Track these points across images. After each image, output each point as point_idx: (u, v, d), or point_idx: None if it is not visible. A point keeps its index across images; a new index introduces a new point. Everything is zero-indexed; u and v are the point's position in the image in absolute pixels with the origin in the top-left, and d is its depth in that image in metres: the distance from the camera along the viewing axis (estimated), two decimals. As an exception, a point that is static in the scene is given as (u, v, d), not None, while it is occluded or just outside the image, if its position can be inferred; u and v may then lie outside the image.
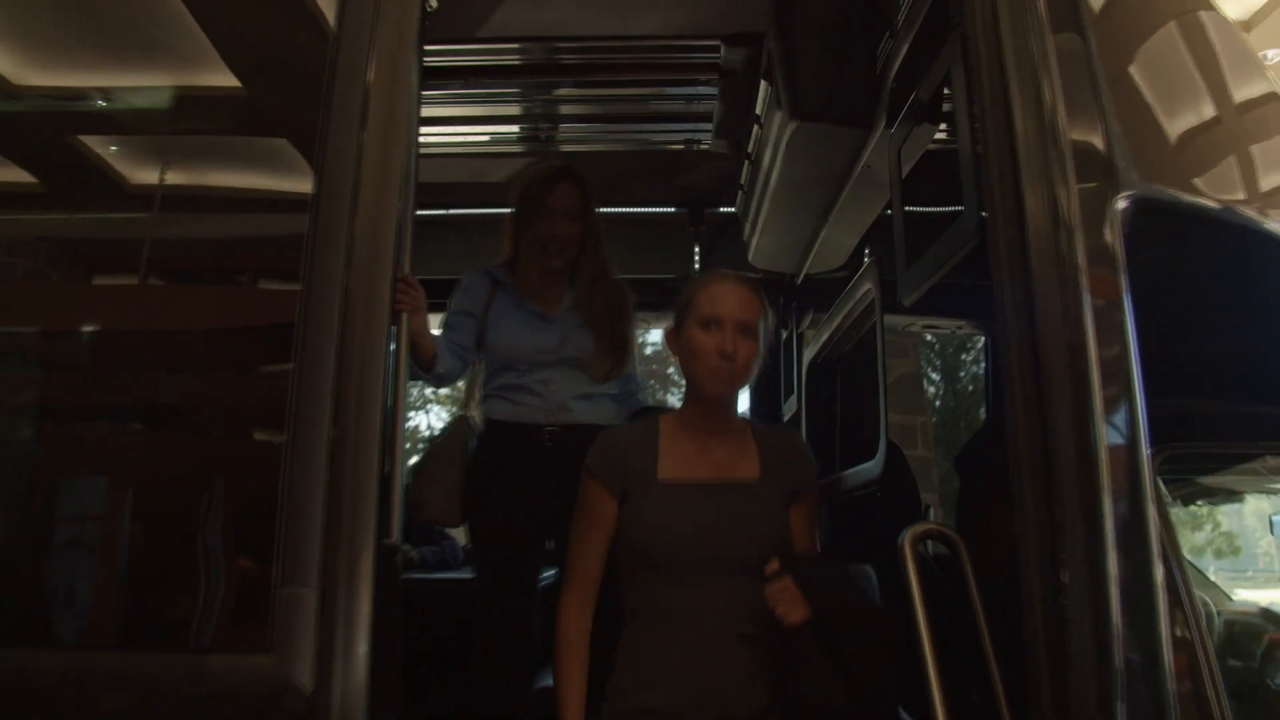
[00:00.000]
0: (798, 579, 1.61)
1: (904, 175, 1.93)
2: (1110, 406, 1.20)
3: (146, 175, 1.53)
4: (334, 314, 1.24)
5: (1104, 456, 1.17)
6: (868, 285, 2.16)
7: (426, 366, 2.27)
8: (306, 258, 1.27)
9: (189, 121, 1.54)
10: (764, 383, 3.51)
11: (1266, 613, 2.92)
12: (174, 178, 1.52)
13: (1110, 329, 1.21)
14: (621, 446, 1.79)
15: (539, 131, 2.94)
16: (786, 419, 3.39)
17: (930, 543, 2.05)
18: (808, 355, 3.03)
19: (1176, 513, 2.30)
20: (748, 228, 3.01)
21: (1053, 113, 1.28)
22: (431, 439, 2.54)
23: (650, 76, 2.62)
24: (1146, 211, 1.31)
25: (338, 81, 1.36)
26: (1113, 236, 1.24)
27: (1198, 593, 2.89)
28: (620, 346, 2.52)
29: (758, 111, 2.49)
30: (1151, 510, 1.22)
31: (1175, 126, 1.42)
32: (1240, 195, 1.47)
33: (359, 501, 1.04)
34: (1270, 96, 1.55)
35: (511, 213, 2.51)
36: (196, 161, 1.53)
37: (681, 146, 3.03)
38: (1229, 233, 1.46)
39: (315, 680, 0.97)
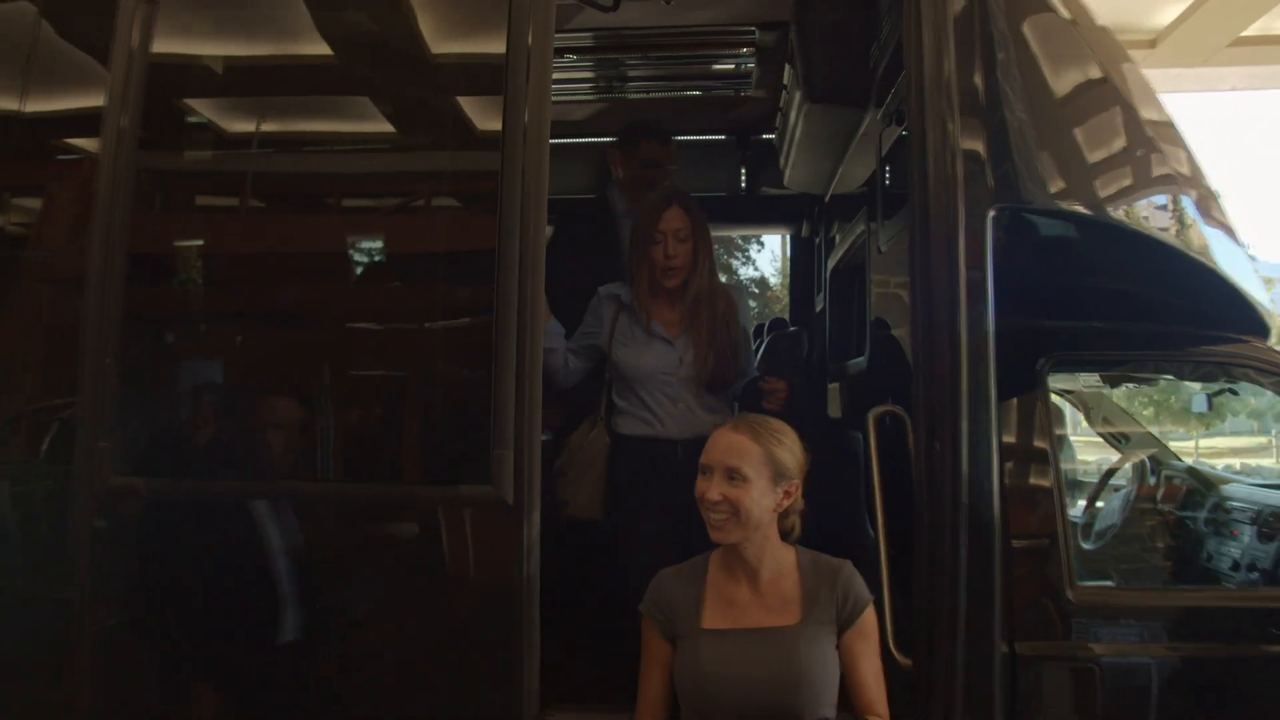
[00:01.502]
0: None
1: (886, 151, 2.61)
2: (972, 337, 1.93)
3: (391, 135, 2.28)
4: (516, 233, 1.91)
5: (964, 371, 1.92)
6: (862, 227, 2.87)
7: None
8: (500, 195, 1.94)
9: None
10: (799, 284, 4.25)
11: (1192, 470, 3.63)
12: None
13: (976, 290, 1.94)
14: (668, 592, 1.85)
15: (611, 87, 3.62)
16: (817, 310, 4.13)
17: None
18: (830, 263, 3.75)
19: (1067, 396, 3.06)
20: (782, 159, 3.69)
21: (953, 146, 1.97)
22: (568, 443, 2.73)
23: (700, 51, 3.28)
24: (1014, 215, 2.01)
25: (510, 70, 1.99)
26: (985, 232, 1.95)
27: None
28: (731, 355, 2.64)
29: (785, 82, 3.15)
30: (994, 401, 1.95)
31: (1045, 155, 2.08)
32: (1092, 200, 2.13)
33: (532, 396, 1.86)
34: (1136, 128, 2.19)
35: (632, 234, 2.69)
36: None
37: (730, 93, 3.69)
38: (1089, 224, 2.15)
39: (514, 498, 1.83)
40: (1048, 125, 2.11)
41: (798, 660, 1.74)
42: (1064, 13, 2.21)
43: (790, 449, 1.83)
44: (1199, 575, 2.99)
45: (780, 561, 1.84)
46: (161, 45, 2.10)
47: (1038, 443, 2.20)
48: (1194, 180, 2.30)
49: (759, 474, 1.77)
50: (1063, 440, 2.80)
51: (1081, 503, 3.73)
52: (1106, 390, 3.78)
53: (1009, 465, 2.08)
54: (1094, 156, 2.14)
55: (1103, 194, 2.15)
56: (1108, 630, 2.16)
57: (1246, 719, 2.10)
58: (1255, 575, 2.70)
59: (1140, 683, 2.11)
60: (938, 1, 2.02)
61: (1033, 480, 2.15)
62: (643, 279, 2.63)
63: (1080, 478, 4.03)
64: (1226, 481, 3.40)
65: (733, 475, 1.77)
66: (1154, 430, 4.01)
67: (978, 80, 2.03)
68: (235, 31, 2.23)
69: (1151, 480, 3.52)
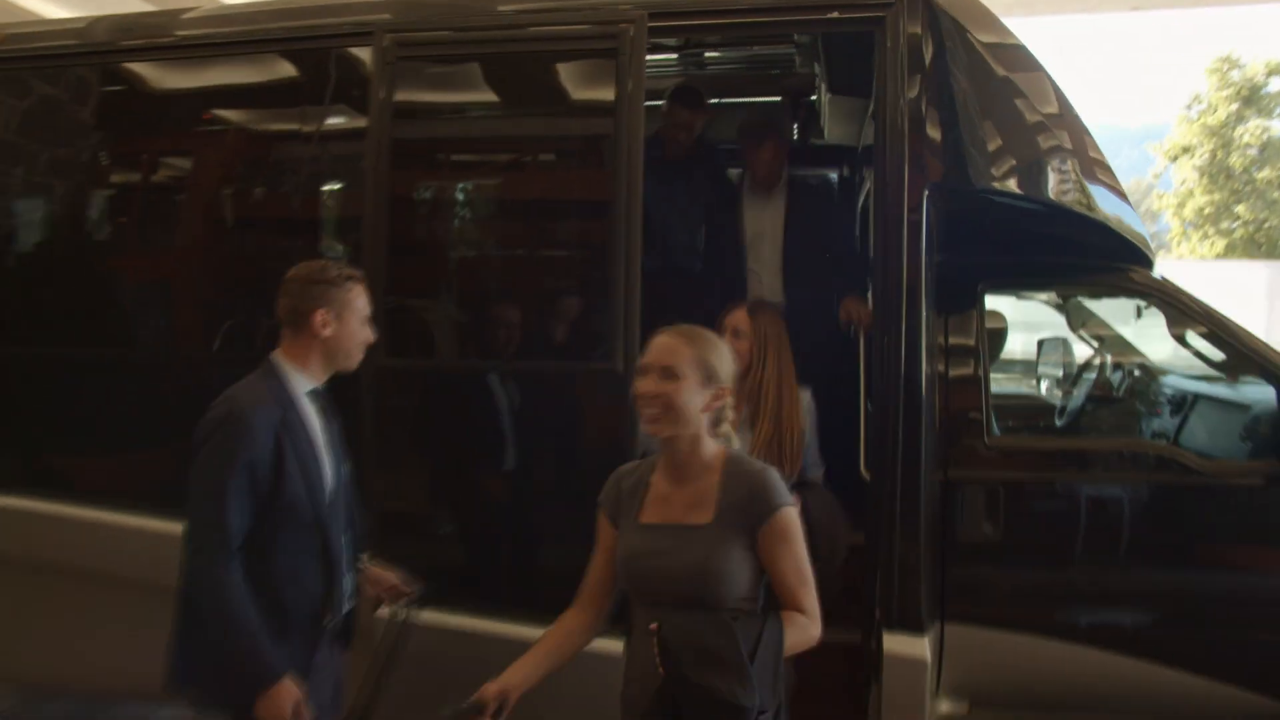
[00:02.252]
0: (660, 644, 1.78)
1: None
2: (910, 283, 2.94)
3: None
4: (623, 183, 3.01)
5: (904, 288, 2.94)
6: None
7: None
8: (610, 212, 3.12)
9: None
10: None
11: (1143, 365, 4.55)
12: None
13: (914, 244, 2.96)
14: (617, 483, 2.06)
15: (687, 70, 4.65)
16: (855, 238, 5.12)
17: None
18: (858, 201, 4.74)
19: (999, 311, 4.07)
20: (820, 121, 4.69)
21: (901, 141, 2.98)
22: None
23: (754, 49, 4.29)
24: (943, 192, 3.03)
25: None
26: (919, 205, 2.96)
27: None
28: (785, 457, 2.87)
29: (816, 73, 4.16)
30: (925, 310, 2.97)
31: (973, 147, 3.07)
32: (1011, 176, 3.13)
33: (631, 298, 3.04)
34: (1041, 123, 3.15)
35: None
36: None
37: (779, 70, 4.67)
38: (1011, 195, 3.15)
39: (622, 369, 2.99)
40: (977, 121, 3.09)
41: (707, 557, 1.87)
42: (992, 38, 3.17)
43: (721, 357, 1.98)
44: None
45: (707, 463, 1.96)
46: (401, 89, 3.27)
47: (970, 341, 3.26)
48: (1087, 154, 3.26)
49: (690, 374, 1.90)
50: (997, 335, 3.85)
51: (1059, 391, 4.79)
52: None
53: (949, 357, 3.15)
54: (1009, 144, 3.14)
55: (1019, 171, 3.15)
56: (1012, 464, 3.22)
57: (1105, 523, 3.16)
58: (1164, 441, 3.71)
59: (1031, 500, 3.20)
60: (897, 36, 3.00)
61: (963, 368, 3.22)
62: None
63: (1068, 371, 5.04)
64: (1167, 374, 4.34)
65: (667, 373, 1.90)
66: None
67: (926, 92, 3.02)
68: (449, 75, 3.41)
69: (1112, 375, 4.52)
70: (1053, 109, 3.20)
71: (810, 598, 1.94)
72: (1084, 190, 3.24)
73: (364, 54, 3.27)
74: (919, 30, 3.02)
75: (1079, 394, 4.49)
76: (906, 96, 2.99)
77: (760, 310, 3.02)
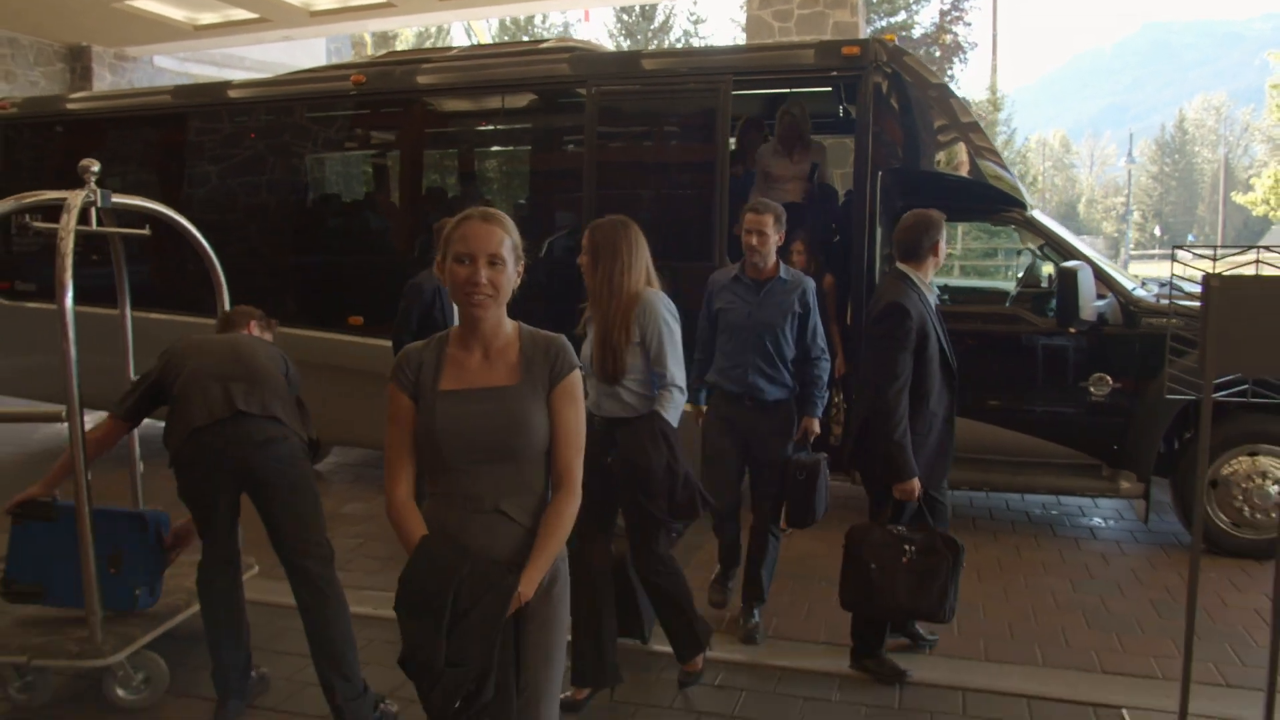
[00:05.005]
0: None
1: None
2: (870, 207, 5.58)
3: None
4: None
5: (866, 220, 5.58)
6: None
7: None
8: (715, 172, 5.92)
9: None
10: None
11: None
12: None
13: (873, 197, 5.57)
14: (414, 361, 2.12)
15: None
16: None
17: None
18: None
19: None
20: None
21: (869, 142, 5.57)
22: None
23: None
24: (890, 173, 5.61)
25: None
26: (872, 180, 5.57)
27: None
28: (612, 355, 3.07)
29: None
30: (879, 234, 5.62)
31: (917, 145, 5.62)
32: (933, 163, 5.68)
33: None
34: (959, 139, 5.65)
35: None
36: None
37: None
38: (932, 173, 5.71)
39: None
40: (920, 130, 5.62)
41: (515, 411, 2.06)
42: (929, 79, 5.67)
43: (517, 234, 2.11)
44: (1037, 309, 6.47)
45: (506, 334, 2.13)
46: (603, 116, 6.05)
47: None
48: (984, 147, 5.71)
49: (510, 258, 2.05)
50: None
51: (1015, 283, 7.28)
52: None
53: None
54: (938, 142, 5.66)
55: (937, 159, 5.68)
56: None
57: (990, 352, 5.71)
58: (1052, 312, 6.17)
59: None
60: (868, 83, 5.54)
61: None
62: None
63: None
64: (1073, 271, 6.76)
65: (494, 261, 2.02)
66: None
67: (888, 115, 5.57)
68: (633, 107, 6.15)
69: (1041, 273, 6.98)
70: (964, 119, 5.70)
71: (577, 461, 2.12)
72: (978, 165, 5.72)
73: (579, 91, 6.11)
74: (881, 78, 5.57)
75: (1020, 284, 7.04)
76: (875, 118, 5.57)
77: (599, 225, 3.27)
